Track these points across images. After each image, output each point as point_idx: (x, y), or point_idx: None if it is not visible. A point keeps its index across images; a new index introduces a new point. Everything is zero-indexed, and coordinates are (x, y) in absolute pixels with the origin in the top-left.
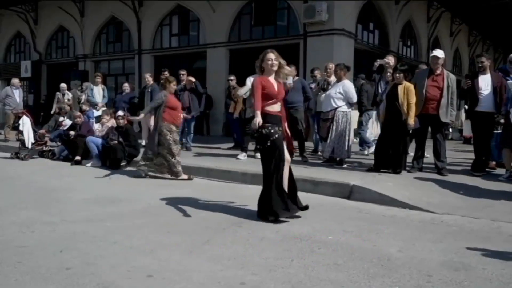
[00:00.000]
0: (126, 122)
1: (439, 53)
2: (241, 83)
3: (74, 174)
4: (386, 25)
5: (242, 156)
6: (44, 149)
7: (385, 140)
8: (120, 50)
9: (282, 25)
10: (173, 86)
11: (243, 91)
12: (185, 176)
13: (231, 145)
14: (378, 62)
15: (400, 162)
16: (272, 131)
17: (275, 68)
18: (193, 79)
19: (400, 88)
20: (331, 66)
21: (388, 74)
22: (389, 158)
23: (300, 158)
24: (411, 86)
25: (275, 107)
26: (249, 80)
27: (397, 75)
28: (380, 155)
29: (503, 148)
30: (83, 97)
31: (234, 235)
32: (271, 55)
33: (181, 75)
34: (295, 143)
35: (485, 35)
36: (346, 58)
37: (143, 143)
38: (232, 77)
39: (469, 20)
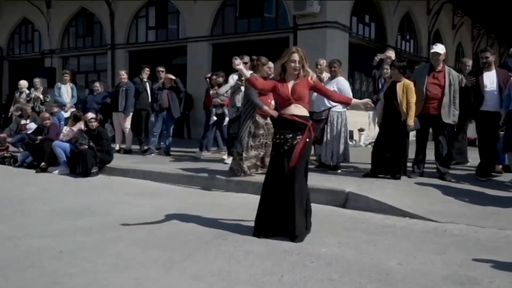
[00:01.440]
0: (97, 124)
1: (439, 48)
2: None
3: (39, 183)
4: (383, 17)
5: (229, 160)
6: (5, 155)
7: (382, 143)
8: (91, 45)
9: (270, 18)
10: (266, 69)
11: (225, 89)
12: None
13: (215, 149)
14: (379, 57)
15: (400, 166)
16: (276, 139)
17: (296, 72)
18: (173, 77)
19: (399, 86)
20: (322, 62)
21: (385, 70)
22: (387, 162)
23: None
24: (410, 84)
25: (293, 110)
26: (232, 78)
27: (392, 70)
28: (377, 159)
29: (507, 152)
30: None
31: (218, 249)
32: (295, 56)
33: (160, 72)
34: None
35: (489, 29)
36: (340, 53)
37: (117, 147)
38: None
39: (472, 12)
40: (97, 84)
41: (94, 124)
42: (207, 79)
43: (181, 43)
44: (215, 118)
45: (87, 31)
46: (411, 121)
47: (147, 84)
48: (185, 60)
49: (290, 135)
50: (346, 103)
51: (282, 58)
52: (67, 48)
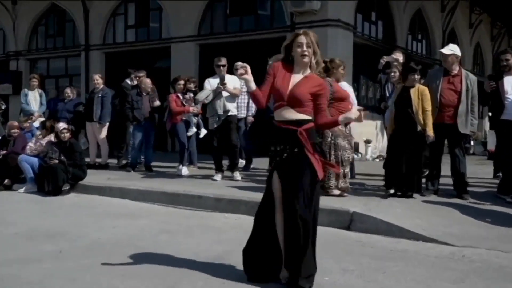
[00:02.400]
0: (70, 135)
1: (446, 49)
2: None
3: (2, 202)
4: (392, 15)
5: (218, 177)
6: None
7: (395, 156)
8: (62, 46)
9: (265, 15)
10: (341, 71)
11: (203, 96)
12: (337, 192)
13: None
14: (385, 59)
15: (412, 183)
16: (271, 151)
17: (306, 60)
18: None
19: (413, 92)
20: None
21: (393, 74)
22: (400, 178)
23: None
24: (425, 90)
25: (285, 114)
26: (208, 83)
27: (410, 75)
28: (391, 172)
29: None
30: None
31: (206, 279)
32: (302, 39)
33: (139, 77)
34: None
35: (511, 28)
36: (343, 55)
37: (90, 160)
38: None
39: (491, 9)
40: (68, 90)
41: (66, 135)
42: (173, 85)
43: (164, 44)
44: (195, 129)
45: (58, 30)
46: (431, 132)
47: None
48: (169, 63)
49: (287, 144)
50: (333, 126)
51: (286, 41)
52: (35, 50)
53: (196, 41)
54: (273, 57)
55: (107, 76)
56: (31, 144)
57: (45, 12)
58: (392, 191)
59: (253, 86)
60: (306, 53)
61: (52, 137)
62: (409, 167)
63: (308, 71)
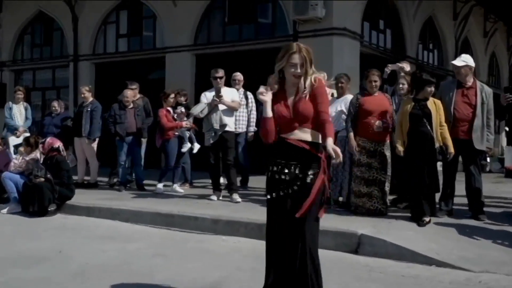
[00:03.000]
0: (56, 152)
1: (458, 60)
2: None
3: None
4: (401, 23)
5: (216, 197)
6: None
7: (410, 176)
8: (49, 56)
9: (265, 23)
10: (374, 76)
11: (198, 110)
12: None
13: (204, 181)
14: (389, 68)
15: (434, 204)
16: (271, 172)
17: (297, 81)
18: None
19: (431, 105)
20: (323, 75)
21: (401, 85)
22: (415, 196)
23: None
24: (440, 103)
25: (297, 135)
26: (204, 97)
27: (432, 89)
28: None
29: None
30: None
31: None
32: (295, 58)
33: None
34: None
35: None
36: (349, 66)
37: (78, 179)
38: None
39: (507, 16)
40: (55, 103)
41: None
42: (163, 99)
43: (158, 54)
44: (189, 144)
45: (45, 39)
46: (452, 148)
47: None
48: (163, 74)
49: (297, 169)
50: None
51: (279, 61)
52: (20, 60)
53: (192, 51)
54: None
55: (97, 89)
56: (15, 161)
57: (31, 20)
58: (427, 218)
59: (269, 112)
60: (299, 74)
61: (37, 154)
62: (426, 186)
63: (301, 89)
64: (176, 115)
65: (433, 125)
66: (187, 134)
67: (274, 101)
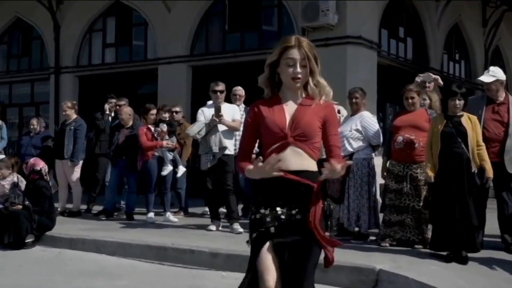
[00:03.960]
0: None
1: (486, 76)
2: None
3: None
4: (423, 30)
5: (214, 227)
6: None
7: (444, 206)
8: (27, 68)
9: (270, 31)
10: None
11: (195, 130)
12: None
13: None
14: (420, 78)
15: (475, 239)
16: (260, 215)
17: (299, 85)
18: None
19: (465, 121)
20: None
21: (423, 101)
22: (453, 234)
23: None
24: (476, 119)
25: (289, 159)
26: (201, 114)
27: (457, 102)
28: (440, 229)
29: None
30: None
31: None
32: (294, 53)
33: (116, 106)
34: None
35: None
36: (365, 79)
37: (59, 207)
38: (177, 108)
39: None
40: (34, 121)
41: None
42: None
43: (150, 65)
44: (170, 167)
45: (23, 49)
46: (491, 173)
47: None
48: (155, 88)
49: (285, 210)
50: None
51: (271, 56)
52: None
53: (188, 62)
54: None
55: (81, 105)
56: None
57: (8, 28)
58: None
59: (248, 167)
60: (300, 76)
61: (15, 177)
62: (466, 220)
63: (302, 97)
64: (156, 133)
65: (469, 145)
66: (169, 155)
67: (265, 109)
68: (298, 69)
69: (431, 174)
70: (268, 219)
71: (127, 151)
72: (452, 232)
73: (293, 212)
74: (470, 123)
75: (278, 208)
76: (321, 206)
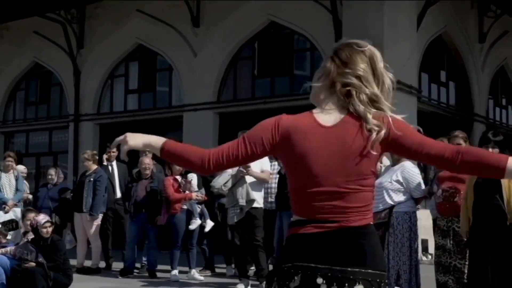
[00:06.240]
0: (52, 231)
1: None
2: None
3: None
4: (466, 74)
5: (243, 286)
6: None
7: (478, 263)
8: (46, 116)
9: (302, 76)
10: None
11: (221, 182)
12: None
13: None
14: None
15: None
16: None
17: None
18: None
19: None
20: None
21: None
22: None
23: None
24: None
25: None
26: None
27: (490, 150)
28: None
29: None
30: None
31: None
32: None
33: (147, 159)
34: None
35: None
36: None
37: (77, 263)
38: None
39: None
40: (52, 171)
41: (49, 230)
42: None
43: (175, 113)
44: (199, 221)
45: (41, 96)
46: None
47: (113, 169)
48: (180, 136)
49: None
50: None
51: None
52: (11, 121)
53: (214, 109)
54: None
55: (102, 154)
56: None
57: (26, 73)
58: None
59: None
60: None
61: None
62: (500, 278)
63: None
64: (183, 185)
65: (504, 197)
66: (198, 208)
67: (296, 136)
68: (362, 66)
69: (464, 229)
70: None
71: (147, 204)
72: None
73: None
74: None
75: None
76: None
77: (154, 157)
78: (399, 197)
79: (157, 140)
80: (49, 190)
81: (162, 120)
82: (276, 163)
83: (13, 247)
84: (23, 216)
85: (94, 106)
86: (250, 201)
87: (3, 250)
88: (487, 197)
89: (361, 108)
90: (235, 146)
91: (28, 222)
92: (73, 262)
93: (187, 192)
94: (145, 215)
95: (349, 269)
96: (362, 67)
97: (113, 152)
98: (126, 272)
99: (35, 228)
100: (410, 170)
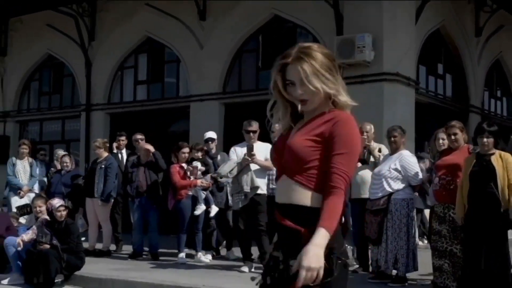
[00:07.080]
0: (66, 214)
1: None
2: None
3: None
4: (463, 67)
5: (247, 268)
6: None
7: (472, 248)
8: (58, 106)
9: None
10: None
11: (227, 170)
12: None
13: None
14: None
15: (508, 281)
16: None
17: (309, 108)
18: (152, 149)
19: (495, 160)
20: (369, 128)
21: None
22: (481, 276)
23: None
24: (509, 157)
25: (282, 191)
26: (234, 153)
27: (479, 139)
28: (468, 272)
29: None
30: None
31: None
32: (291, 75)
33: (138, 141)
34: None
35: None
36: (403, 117)
37: (89, 246)
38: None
39: None
40: (66, 159)
41: (63, 213)
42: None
43: (182, 103)
44: (204, 206)
45: (54, 86)
46: None
47: (122, 157)
48: (187, 126)
49: (280, 255)
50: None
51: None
52: (26, 110)
53: (220, 100)
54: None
55: (112, 142)
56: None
57: (39, 65)
58: None
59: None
60: (305, 97)
61: (44, 216)
62: (494, 261)
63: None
64: (189, 172)
65: (498, 185)
66: (203, 194)
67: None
68: (298, 91)
69: (459, 215)
70: (269, 265)
71: (147, 188)
72: (481, 273)
73: (291, 262)
74: (500, 161)
75: (275, 253)
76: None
77: (163, 145)
78: (397, 185)
79: (324, 238)
80: (62, 176)
81: (170, 110)
82: None
83: (29, 232)
84: (33, 202)
85: (105, 96)
86: (254, 187)
87: (24, 238)
88: (482, 185)
89: None
90: None
91: (36, 209)
92: (85, 244)
93: (192, 178)
94: (146, 199)
95: None
96: None
97: (122, 140)
98: (135, 255)
99: (50, 212)
100: (408, 159)
